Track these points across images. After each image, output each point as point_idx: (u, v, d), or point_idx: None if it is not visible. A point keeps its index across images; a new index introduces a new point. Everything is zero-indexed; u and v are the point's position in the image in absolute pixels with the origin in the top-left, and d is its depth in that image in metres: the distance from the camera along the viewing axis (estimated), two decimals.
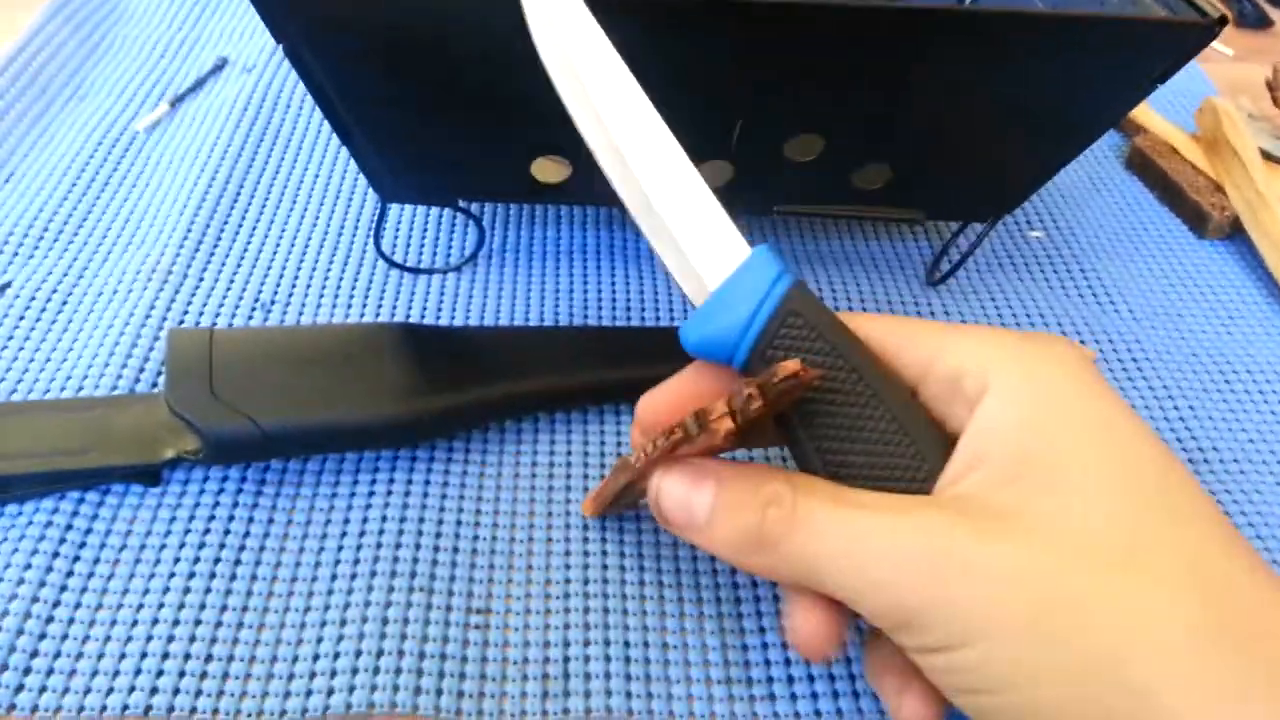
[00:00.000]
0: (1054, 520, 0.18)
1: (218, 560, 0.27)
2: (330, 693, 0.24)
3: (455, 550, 0.28)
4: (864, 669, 0.21)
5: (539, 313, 0.36)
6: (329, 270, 0.37)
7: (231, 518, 0.28)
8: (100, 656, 0.25)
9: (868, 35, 0.28)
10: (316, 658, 0.25)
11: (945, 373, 0.21)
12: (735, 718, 0.25)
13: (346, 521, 0.28)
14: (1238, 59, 0.57)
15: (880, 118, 0.32)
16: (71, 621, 0.25)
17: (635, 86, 0.23)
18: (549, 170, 0.34)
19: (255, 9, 0.26)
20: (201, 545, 0.27)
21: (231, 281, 0.36)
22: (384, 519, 0.28)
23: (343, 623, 0.26)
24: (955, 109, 0.32)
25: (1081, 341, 0.38)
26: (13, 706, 0.23)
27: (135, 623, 0.25)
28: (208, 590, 0.26)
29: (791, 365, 0.20)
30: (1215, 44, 0.53)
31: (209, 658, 0.25)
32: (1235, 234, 0.43)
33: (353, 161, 0.38)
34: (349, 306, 0.35)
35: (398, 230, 0.39)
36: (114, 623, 0.25)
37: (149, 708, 0.24)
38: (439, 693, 0.25)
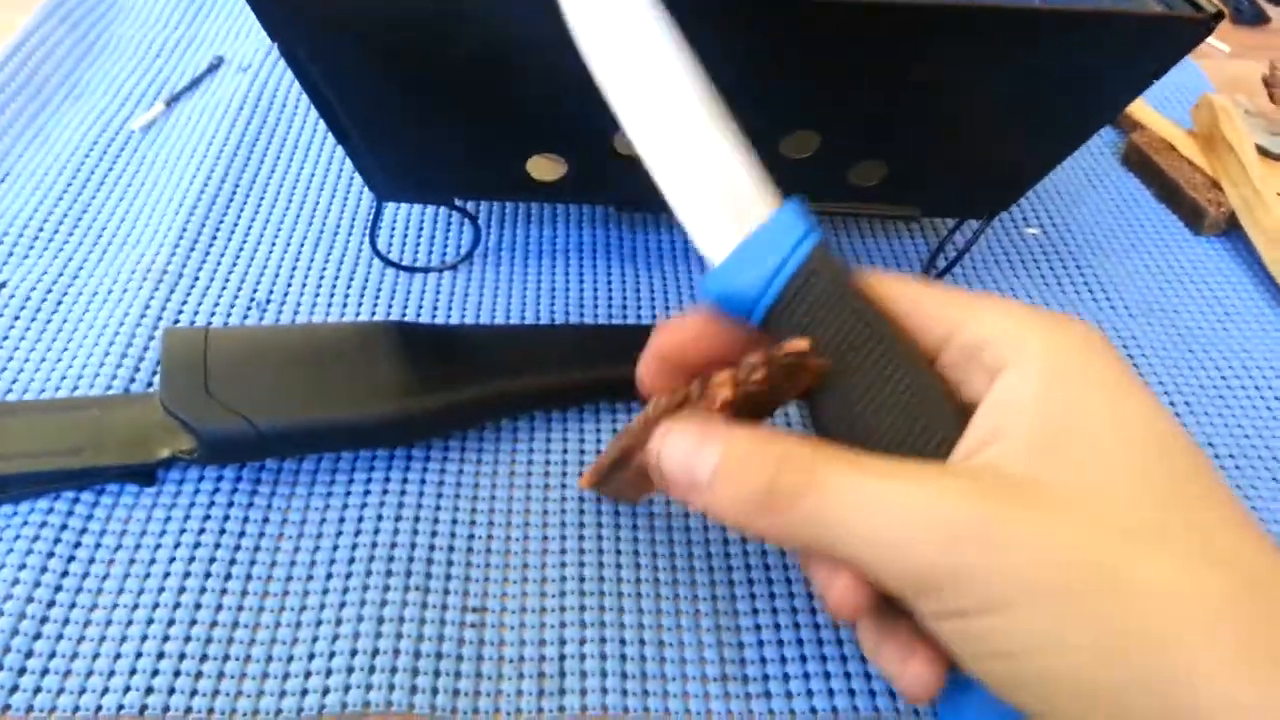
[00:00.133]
0: (1078, 494, 0.18)
1: (213, 560, 0.27)
2: (326, 692, 0.24)
3: (450, 549, 0.28)
4: (860, 643, 0.21)
5: (535, 311, 0.36)
6: (324, 269, 0.37)
7: (227, 517, 0.28)
8: (95, 656, 0.25)
9: (866, 32, 0.28)
10: (312, 657, 0.25)
11: (966, 341, 0.21)
12: (731, 715, 0.25)
13: (342, 520, 0.28)
14: (1234, 55, 0.57)
15: (877, 114, 0.32)
16: (66, 622, 0.25)
17: (673, 28, 0.23)
18: (545, 168, 0.34)
19: (250, 8, 0.26)
20: (197, 545, 0.27)
21: (227, 281, 0.36)
22: (379, 518, 0.28)
23: (338, 622, 0.26)
24: (951, 105, 0.32)
25: None
26: (7, 707, 0.23)
27: (130, 622, 0.25)
28: (203, 590, 0.26)
29: (800, 344, 0.19)
30: (1212, 40, 0.53)
31: (204, 657, 0.25)
32: (1231, 230, 0.43)
33: (348, 160, 0.38)
34: (344, 305, 0.35)
35: (393, 229, 0.39)
36: (109, 623, 0.25)
37: (144, 708, 0.24)
38: (435, 691, 0.25)
